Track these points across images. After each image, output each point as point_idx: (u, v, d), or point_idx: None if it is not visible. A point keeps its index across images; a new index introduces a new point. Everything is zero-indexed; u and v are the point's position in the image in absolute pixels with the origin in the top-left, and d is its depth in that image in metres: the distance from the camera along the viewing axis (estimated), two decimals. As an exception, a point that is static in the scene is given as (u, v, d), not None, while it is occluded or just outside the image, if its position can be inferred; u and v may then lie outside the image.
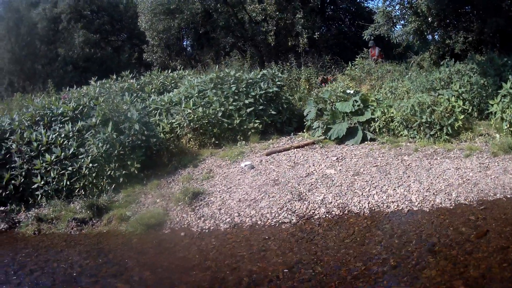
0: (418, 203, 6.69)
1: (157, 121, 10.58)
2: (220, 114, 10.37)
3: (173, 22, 20.84)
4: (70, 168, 8.85)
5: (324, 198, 7.19)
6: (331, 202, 7.05)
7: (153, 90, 12.80)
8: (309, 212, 6.90)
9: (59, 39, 26.83)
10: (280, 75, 12.16)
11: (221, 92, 10.84)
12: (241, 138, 10.46)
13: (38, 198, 8.87)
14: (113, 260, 6.36)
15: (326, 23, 22.84)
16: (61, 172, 8.89)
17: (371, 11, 21.23)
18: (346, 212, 6.80)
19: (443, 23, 14.19)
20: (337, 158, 8.77)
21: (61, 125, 9.88)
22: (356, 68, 14.63)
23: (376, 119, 9.87)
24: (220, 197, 7.82)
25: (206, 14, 20.95)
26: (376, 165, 8.16)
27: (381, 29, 14.34)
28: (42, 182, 8.85)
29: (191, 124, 10.27)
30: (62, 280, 5.92)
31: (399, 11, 14.57)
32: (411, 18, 13.82)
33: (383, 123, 9.77)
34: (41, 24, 25.89)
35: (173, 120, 10.57)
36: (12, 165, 9.17)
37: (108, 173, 8.73)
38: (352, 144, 9.58)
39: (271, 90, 11.16)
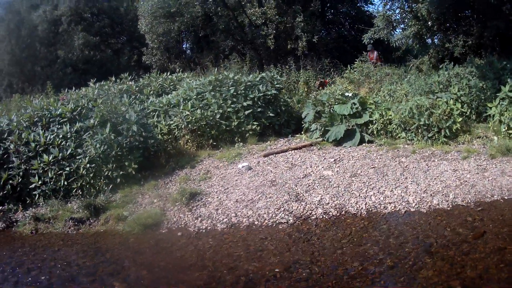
0: (415, 204, 6.68)
1: (155, 123, 10.60)
2: (218, 116, 10.38)
3: (173, 25, 20.86)
4: (67, 169, 8.85)
5: (321, 199, 7.19)
6: (328, 203, 7.04)
7: (151, 92, 12.84)
8: (306, 212, 6.89)
9: (59, 41, 26.86)
10: (279, 78, 12.18)
11: (220, 95, 10.85)
12: (239, 140, 10.47)
13: (36, 198, 8.87)
14: (110, 260, 6.35)
15: (326, 26, 22.86)
16: (59, 172, 8.89)
17: (371, 15, 21.28)
18: (343, 212, 6.79)
19: (443, 27, 14.20)
20: (334, 160, 8.76)
21: (59, 126, 9.88)
22: (355, 71, 14.64)
23: (374, 122, 9.88)
24: (217, 197, 7.82)
25: (206, 17, 20.95)
26: (373, 167, 8.15)
27: (381, 32, 14.35)
28: (39, 182, 8.86)
29: (189, 125, 10.28)
30: (59, 279, 5.90)
31: (399, 15, 14.61)
32: (411, 22, 13.83)
33: (381, 126, 9.77)
34: (41, 26, 25.94)
35: (171, 122, 10.58)
36: (10, 165, 9.16)
37: (106, 173, 8.74)
38: (350, 146, 9.58)
39: (269, 93, 11.17)
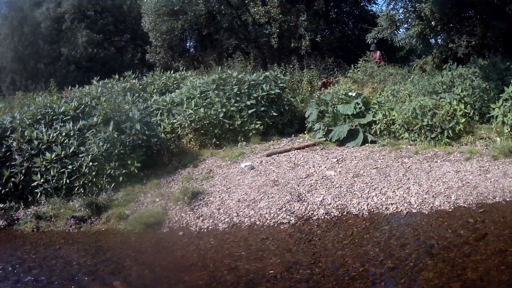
0: (417, 205, 6.67)
1: (158, 121, 10.59)
2: (221, 115, 10.38)
3: (177, 23, 20.83)
4: (70, 167, 8.87)
5: (323, 199, 7.18)
6: (330, 203, 7.04)
7: (155, 91, 12.81)
8: (308, 213, 6.89)
9: (62, 39, 26.84)
10: (282, 77, 12.17)
11: (223, 93, 10.85)
12: (242, 139, 10.47)
13: (38, 196, 8.89)
14: (111, 258, 6.37)
15: (329, 26, 22.81)
16: (61, 170, 8.90)
17: (375, 15, 21.19)
18: (345, 213, 6.78)
19: (446, 27, 14.15)
20: (337, 160, 8.75)
21: (62, 124, 9.87)
22: (358, 71, 14.62)
23: (377, 122, 9.86)
24: (219, 197, 7.82)
25: (209, 15, 20.93)
26: (376, 167, 8.14)
27: (384, 32, 14.30)
28: (41, 180, 8.87)
29: (192, 124, 10.27)
30: (60, 277, 5.92)
31: (402, 15, 14.55)
32: (415, 22, 13.79)
33: (384, 126, 9.75)
34: (44, 24, 25.91)
35: (174, 121, 10.57)
36: (12, 163, 9.18)
37: (108, 172, 8.75)
38: (353, 146, 9.56)
39: (273, 92, 11.17)
